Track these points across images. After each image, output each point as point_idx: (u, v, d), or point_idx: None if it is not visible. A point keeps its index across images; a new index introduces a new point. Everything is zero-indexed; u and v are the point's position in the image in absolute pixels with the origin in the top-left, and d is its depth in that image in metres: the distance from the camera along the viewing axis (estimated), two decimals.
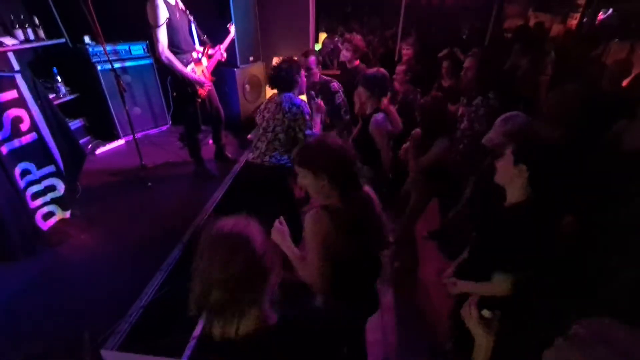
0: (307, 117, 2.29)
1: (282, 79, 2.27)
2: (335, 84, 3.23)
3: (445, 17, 6.05)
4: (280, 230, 1.36)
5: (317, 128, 2.54)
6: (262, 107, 2.41)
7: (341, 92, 3.24)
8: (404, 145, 2.58)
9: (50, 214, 2.48)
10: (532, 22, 6.94)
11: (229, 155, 3.46)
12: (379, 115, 2.30)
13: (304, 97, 2.87)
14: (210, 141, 3.55)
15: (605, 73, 2.96)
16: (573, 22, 6.33)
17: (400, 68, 3.28)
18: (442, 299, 2.29)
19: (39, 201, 2.38)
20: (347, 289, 1.37)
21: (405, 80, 3.34)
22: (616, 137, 2.31)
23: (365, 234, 1.32)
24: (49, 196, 2.44)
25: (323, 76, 3.31)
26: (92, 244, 2.43)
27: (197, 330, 0.95)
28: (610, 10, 6.06)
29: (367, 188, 1.42)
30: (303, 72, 2.71)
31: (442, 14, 5.83)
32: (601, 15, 6.29)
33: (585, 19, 4.63)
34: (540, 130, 2.23)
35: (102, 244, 2.41)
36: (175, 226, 2.50)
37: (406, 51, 3.70)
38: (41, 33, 3.29)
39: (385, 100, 2.43)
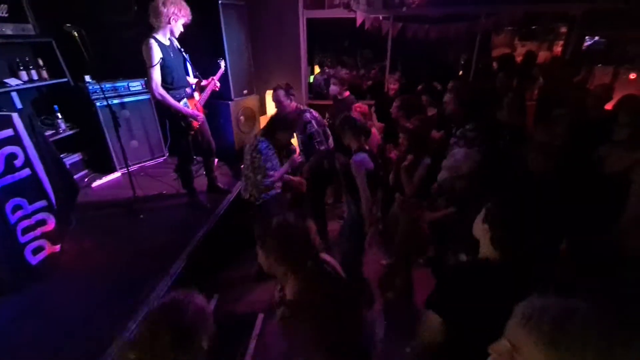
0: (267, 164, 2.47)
1: (273, 125, 2.54)
2: (308, 114, 3.15)
3: (432, 50, 6.30)
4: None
5: (281, 172, 2.63)
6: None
7: (314, 122, 3.15)
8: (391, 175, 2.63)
9: (39, 249, 2.48)
10: (520, 51, 7.22)
11: (221, 186, 3.51)
12: (359, 156, 2.32)
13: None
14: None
15: (588, 99, 3.04)
16: (559, 49, 6.55)
17: (395, 104, 3.36)
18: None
19: (29, 236, 2.39)
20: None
21: (401, 115, 3.41)
22: (600, 160, 2.35)
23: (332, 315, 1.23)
24: (39, 230, 2.45)
25: (300, 106, 3.30)
26: (80, 278, 2.41)
27: None
28: (597, 37, 6.29)
29: (325, 257, 1.39)
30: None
31: (428, 47, 6.06)
32: (587, 42, 6.51)
33: (570, 46, 4.80)
34: (533, 162, 2.27)
35: (90, 278, 2.40)
36: (163, 259, 2.50)
37: (392, 86, 3.83)
38: (44, 73, 3.47)
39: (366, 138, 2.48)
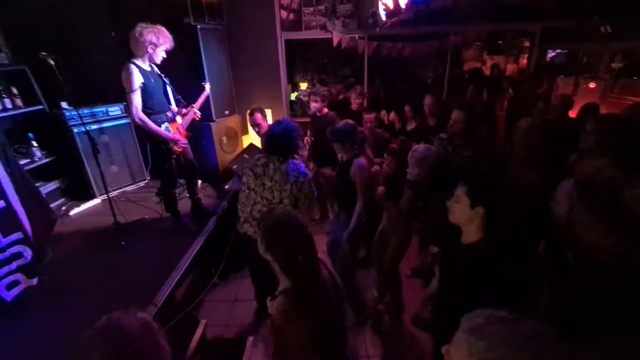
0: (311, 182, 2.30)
1: (283, 145, 2.16)
2: None
3: (409, 66, 6.58)
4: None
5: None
6: (257, 168, 2.26)
7: None
8: (380, 188, 2.68)
9: (15, 283, 2.37)
10: (489, 64, 7.64)
11: (205, 208, 3.47)
12: (362, 160, 2.38)
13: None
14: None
15: (550, 108, 3.23)
16: (524, 61, 6.98)
17: (368, 117, 3.49)
18: (428, 340, 2.25)
19: (3, 270, 2.29)
20: None
21: (375, 126, 3.55)
22: (572, 167, 2.48)
23: (322, 319, 1.28)
24: (15, 264, 2.35)
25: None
26: (59, 313, 2.30)
27: None
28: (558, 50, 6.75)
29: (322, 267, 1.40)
30: None
31: (405, 63, 6.33)
32: (551, 54, 6.97)
33: (533, 60, 5.13)
34: (520, 176, 2.38)
35: (70, 312, 2.29)
36: (148, 287, 2.43)
37: (356, 100, 3.92)
38: (18, 102, 3.39)
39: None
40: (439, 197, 1.50)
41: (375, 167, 2.93)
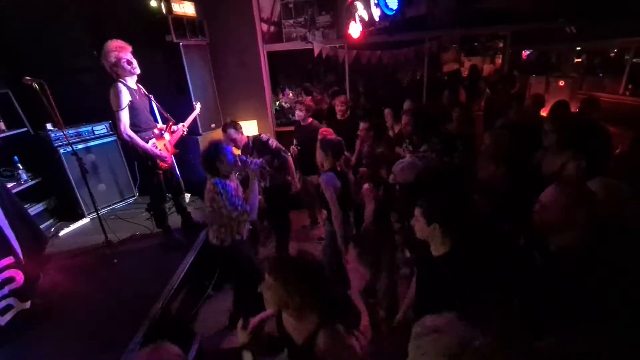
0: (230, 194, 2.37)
1: (207, 165, 2.41)
2: (264, 135, 3.50)
3: (389, 71, 6.75)
4: None
5: (255, 194, 2.52)
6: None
7: (272, 139, 3.49)
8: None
9: (8, 308, 2.37)
10: (467, 65, 7.90)
11: (195, 221, 3.51)
12: (328, 175, 2.49)
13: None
14: None
15: (523, 107, 3.42)
16: (500, 61, 7.24)
17: (363, 125, 3.52)
18: None
19: None
20: None
21: (369, 136, 3.59)
22: (537, 163, 2.65)
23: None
24: (7, 288, 2.36)
25: (249, 135, 3.51)
26: (53, 334, 2.32)
27: None
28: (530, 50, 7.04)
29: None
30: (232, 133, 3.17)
31: (386, 69, 6.49)
32: (525, 53, 7.26)
33: (506, 61, 5.36)
34: (484, 169, 2.53)
35: (64, 333, 2.32)
36: (141, 303, 2.46)
37: (339, 108, 4.00)
38: (2, 125, 3.40)
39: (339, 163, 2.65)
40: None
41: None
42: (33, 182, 3.55)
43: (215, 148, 2.43)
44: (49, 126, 3.55)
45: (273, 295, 1.21)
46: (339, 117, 4.03)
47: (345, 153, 2.86)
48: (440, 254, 1.47)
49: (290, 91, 6.25)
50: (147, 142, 2.93)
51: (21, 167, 3.49)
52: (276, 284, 1.20)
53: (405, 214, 2.29)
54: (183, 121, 3.37)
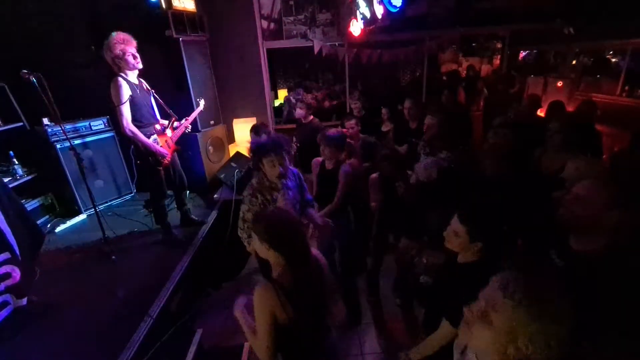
0: None
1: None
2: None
3: (388, 70, 6.75)
4: (238, 306, 1.47)
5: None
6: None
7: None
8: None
9: (4, 304, 2.33)
10: (465, 65, 7.93)
11: (194, 218, 3.48)
12: (347, 166, 2.55)
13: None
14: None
15: (520, 107, 3.44)
16: (497, 62, 7.28)
17: (349, 123, 3.55)
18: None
19: None
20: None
21: (358, 131, 3.64)
22: (536, 162, 2.66)
23: (310, 305, 1.35)
24: (3, 285, 2.31)
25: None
26: (51, 332, 2.28)
27: None
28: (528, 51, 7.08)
29: (315, 252, 1.47)
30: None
31: (385, 67, 6.49)
32: (522, 54, 7.31)
33: (504, 61, 5.39)
34: (485, 166, 2.53)
35: (62, 331, 2.28)
36: (141, 300, 2.43)
37: (355, 105, 4.07)
38: None
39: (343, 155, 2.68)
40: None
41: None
42: (29, 177, 3.50)
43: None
44: (45, 121, 3.50)
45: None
46: (356, 113, 4.01)
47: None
48: (467, 260, 1.43)
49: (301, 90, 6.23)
50: (148, 137, 2.89)
51: (17, 162, 3.44)
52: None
53: (419, 216, 2.28)
54: (181, 117, 3.34)
